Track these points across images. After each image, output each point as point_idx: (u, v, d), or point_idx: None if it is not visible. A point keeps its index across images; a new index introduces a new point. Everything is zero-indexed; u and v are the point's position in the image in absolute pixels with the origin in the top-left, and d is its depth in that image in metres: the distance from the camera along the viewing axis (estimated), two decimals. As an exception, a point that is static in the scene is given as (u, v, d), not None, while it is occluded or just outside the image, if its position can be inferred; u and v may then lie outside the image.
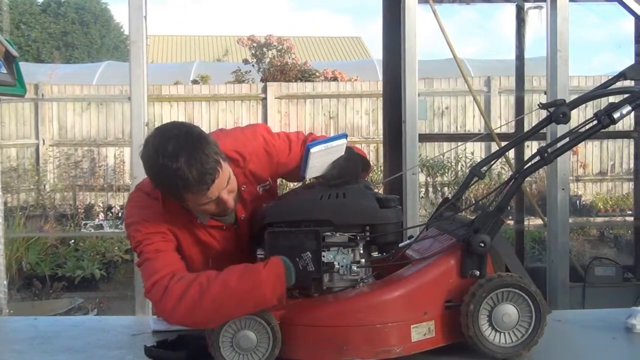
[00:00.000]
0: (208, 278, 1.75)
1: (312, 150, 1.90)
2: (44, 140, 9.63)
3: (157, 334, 2.14)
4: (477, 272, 1.82)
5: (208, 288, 1.73)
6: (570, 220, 3.54)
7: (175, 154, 1.74)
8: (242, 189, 2.00)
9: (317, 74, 11.14)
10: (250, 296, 1.73)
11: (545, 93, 3.43)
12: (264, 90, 10.05)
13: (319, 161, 1.94)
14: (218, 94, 10.02)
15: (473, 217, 1.90)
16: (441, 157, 9.34)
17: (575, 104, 1.94)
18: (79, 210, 8.36)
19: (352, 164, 1.98)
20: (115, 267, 6.63)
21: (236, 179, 1.97)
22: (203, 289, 1.74)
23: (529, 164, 1.91)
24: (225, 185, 1.86)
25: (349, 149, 2.01)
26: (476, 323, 1.78)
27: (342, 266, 1.88)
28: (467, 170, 2.63)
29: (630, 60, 4.28)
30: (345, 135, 1.99)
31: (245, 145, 2.03)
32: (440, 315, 1.80)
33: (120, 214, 8.00)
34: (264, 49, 11.68)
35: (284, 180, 2.25)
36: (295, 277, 1.78)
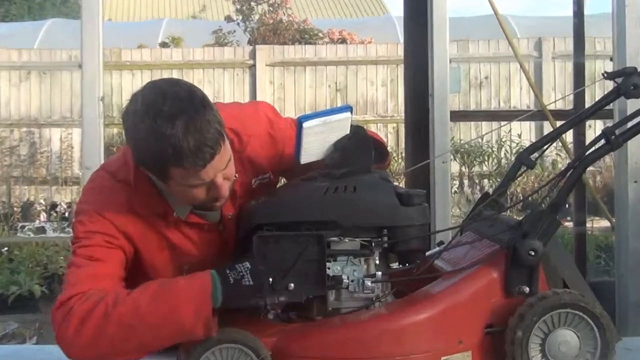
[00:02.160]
0: (117, 297, 1.77)
1: (306, 125, 1.89)
2: (-30, 120, 9.66)
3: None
4: (526, 289, 1.81)
5: (114, 309, 1.74)
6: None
7: (172, 116, 1.74)
8: (234, 178, 2.00)
9: (321, 34, 11.15)
10: (166, 321, 1.73)
11: (612, 59, 3.42)
12: (252, 55, 10.06)
13: (317, 140, 1.93)
14: (193, 60, 10.04)
15: (520, 218, 1.90)
16: (479, 140, 9.34)
17: (652, 72, 1.93)
18: (15, 209, 8.36)
19: (360, 144, 1.98)
20: (60, 282, 6.62)
21: None
22: (108, 310, 1.75)
23: (592, 149, 1.90)
24: (224, 167, 1.86)
25: (358, 128, 2.01)
26: (525, 354, 1.77)
27: (352, 281, 1.87)
28: (513, 158, 2.63)
29: None
30: (349, 108, 1.98)
31: (244, 124, 2.03)
32: (478, 344, 1.80)
33: (67, 214, 8.00)
34: (252, 3, 11.68)
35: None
36: (222, 293, 1.75)
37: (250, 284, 1.76)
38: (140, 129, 1.77)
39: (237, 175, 1.99)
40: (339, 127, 1.95)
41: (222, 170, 1.85)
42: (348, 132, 1.97)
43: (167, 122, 1.73)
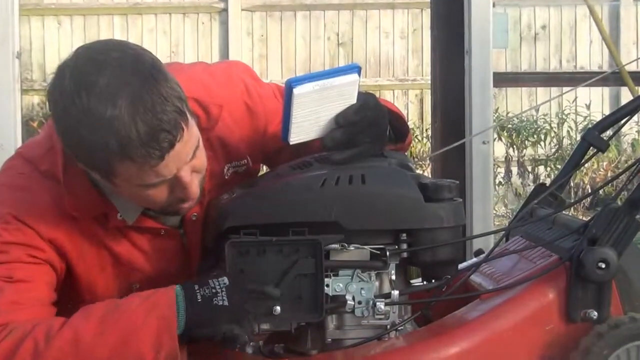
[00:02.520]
0: (49, 329, 1.78)
1: (298, 91, 1.89)
2: None
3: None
4: (594, 313, 1.83)
5: (48, 346, 1.76)
6: None
7: (112, 92, 1.73)
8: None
9: (316, -33, 11.11)
10: (118, 356, 1.75)
11: None
12: (223, -5, 10.03)
13: (312, 112, 1.94)
14: (142, 2, 10.00)
15: (588, 219, 1.91)
16: (533, 113, 9.34)
17: None
18: None
19: (371, 118, 1.99)
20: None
21: None
22: (39, 348, 1.76)
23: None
24: (190, 157, 1.86)
25: (367, 96, 2.02)
26: (591, 401, 1.79)
27: (359, 303, 1.88)
28: (579, 137, 2.65)
29: None
30: (356, 69, 1.97)
31: (213, 92, 2.04)
32: (529, 387, 1.82)
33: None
34: None
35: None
36: (186, 316, 1.77)
37: (225, 304, 1.77)
38: (71, 114, 1.75)
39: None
40: (343, 94, 1.95)
41: (189, 161, 1.85)
42: (354, 101, 1.97)
43: (106, 102, 1.72)
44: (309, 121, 1.94)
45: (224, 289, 1.77)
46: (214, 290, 1.77)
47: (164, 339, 1.74)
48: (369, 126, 1.96)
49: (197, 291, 1.78)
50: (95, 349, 1.75)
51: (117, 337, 1.75)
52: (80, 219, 1.95)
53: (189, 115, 1.82)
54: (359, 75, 1.96)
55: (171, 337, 1.75)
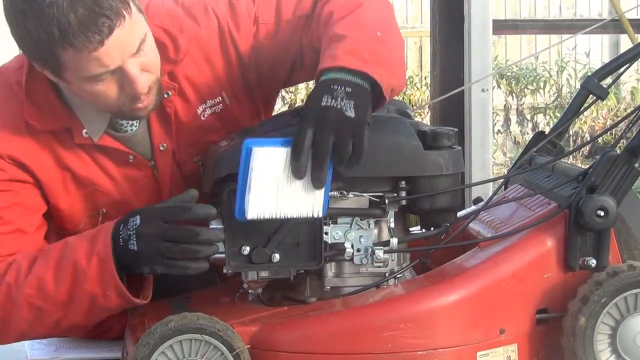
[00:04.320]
0: (18, 274, 1.87)
1: (256, 149, 1.76)
2: None
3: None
4: (593, 261, 1.83)
5: (19, 293, 1.86)
6: None
7: None
8: (165, 97, 2.02)
9: None
10: (75, 298, 1.85)
11: None
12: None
13: (274, 179, 1.77)
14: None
15: (587, 166, 1.91)
16: (533, 60, 9.31)
17: None
18: None
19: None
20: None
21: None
22: (13, 295, 1.86)
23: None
24: (136, 49, 1.86)
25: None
26: (590, 348, 1.78)
27: (358, 250, 1.88)
28: (578, 85, 2.64)
29: None
30: None
31: (184, 26, 2.03)
32: (527, 334, 1.82)
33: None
34: None
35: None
36: (115, 256, 1.82)
37: (134, 249, 1.81)
38: (17, 7, 1.79)
39: (169, 92, 2.00)
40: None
41: (134, 53, 1.86)
42: None
43: None
44: (270, 191, 1.79)
45: (134, 232, 1.81)
46: (128, 232, 1.81)
47: (106, 278, 1.82)
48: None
49: (120, 232, 1.82)
50: (56, 293, 1.85)
51: (70, 281, 1.84)
52: (40, 134, 1.98)
53: (134, 7, 1.83)
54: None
55: (112, 277, 1.82)
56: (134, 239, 1.80)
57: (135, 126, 2.03)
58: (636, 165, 1.85)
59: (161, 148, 2.05)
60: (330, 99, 1.74)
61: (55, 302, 1.86)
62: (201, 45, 2.05)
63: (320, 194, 1.77)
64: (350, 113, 1.73)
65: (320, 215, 1.79)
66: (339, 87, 1.75)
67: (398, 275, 1.91)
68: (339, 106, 1.73)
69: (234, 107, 2.11)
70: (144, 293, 1.89)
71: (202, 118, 2.07)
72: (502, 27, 4.88)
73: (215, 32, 2.06)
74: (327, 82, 1.78)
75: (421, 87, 9.35)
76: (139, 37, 1.86)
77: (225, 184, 1.85)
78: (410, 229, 1.99)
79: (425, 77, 9.32)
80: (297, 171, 1.73)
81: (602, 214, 1.81)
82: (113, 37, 1.79)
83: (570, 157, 6.77)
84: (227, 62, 2.07)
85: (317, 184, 1.74)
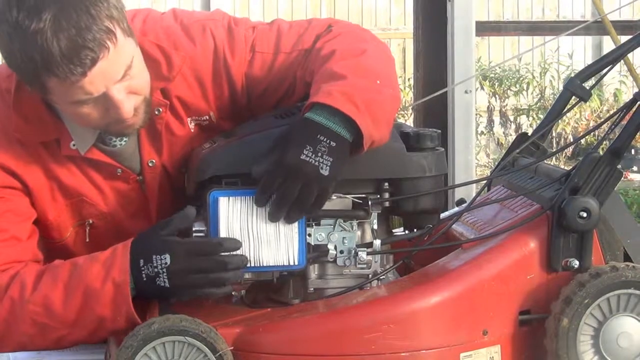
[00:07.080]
0: (22, 289, 1.85)
1: (223, 199, 1.82)
2: None
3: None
4: (576, 262, 1.83)
5: (22, 309, 1.84)
6: None
7: (39, 7, 1.74)
8: (156, 113, 2.01)
9: None
10: (83, 319, 1.85)
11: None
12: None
13: (242, 227, 1.85)
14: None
15: (569, 168, 1.91)
16: (516, 62, 9.33)
17: None
18: None
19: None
20: None
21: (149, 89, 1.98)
22: (16, 310, 1.85)
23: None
24: (121, 76, 1.85)
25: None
26: (573, 349, 1.79)
27: (341, 252, 1.89)
28: (561, 86, 2.64)
29: None
30: None
31: (179, 45, 2.03)
32: (510, 335, 1.82)
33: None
34: None
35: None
36: (135, 289, 1.84)
37: (165, 285, 1.82)
38: (3, 29, 1.78)
39: (160, 109, 1.99)
40: None
41: (119, 80, 1.85)
42: None
43: (33, 16, 1.74)
44: (242, 239, 1.85)
45: (164, 270, 1.81)
46: (155, 270, 1.81)
47: (119, 302, 1.82)
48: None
49: (142, 269, 1.82)
50: (64, 312, 1.84)
51: (80, 302, 1.83)
52: (27, 144, 1.97)
53: (120, 34, 1.81)
54: None
55: (126, 302, 1.81)
56: (164, 277, 1.81)
57: (125, 141, 2.03)
58: (619, 166, 1.86)
59: (150, 164, 2.05)
60: (312, 153, 1.77)
61: (61, 320, 1.85)
62: (195, 65, 2.04)
63: (293, 242, 1.82)
64: (325, 171, 1.77)
65: (297, 264, 1.83)
66: (324, 140, 1.78)
67: (381, 277, 1.92)
68: (316, 163, 1.77)
69: (220, 123, 2.11)
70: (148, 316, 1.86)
71: (191, 130, 2.07)
72: (485, 28, 4.91)
73: (210, 54, 2.05)
74: (315, 127, 1.80)
75: (404, 88, 9.35)
76: (125, 64, 1.85)
77: (208, 186, 1.85)
78: (394, 231, 1.99)
79: (408, 79, 9.32)
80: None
81: (584, 215, 1.82)
82: (96, 68, 1.78)
83: (554, 158, 6.80)
84: (218, 85, 2.06)
85: (274, 219, 1.80)
